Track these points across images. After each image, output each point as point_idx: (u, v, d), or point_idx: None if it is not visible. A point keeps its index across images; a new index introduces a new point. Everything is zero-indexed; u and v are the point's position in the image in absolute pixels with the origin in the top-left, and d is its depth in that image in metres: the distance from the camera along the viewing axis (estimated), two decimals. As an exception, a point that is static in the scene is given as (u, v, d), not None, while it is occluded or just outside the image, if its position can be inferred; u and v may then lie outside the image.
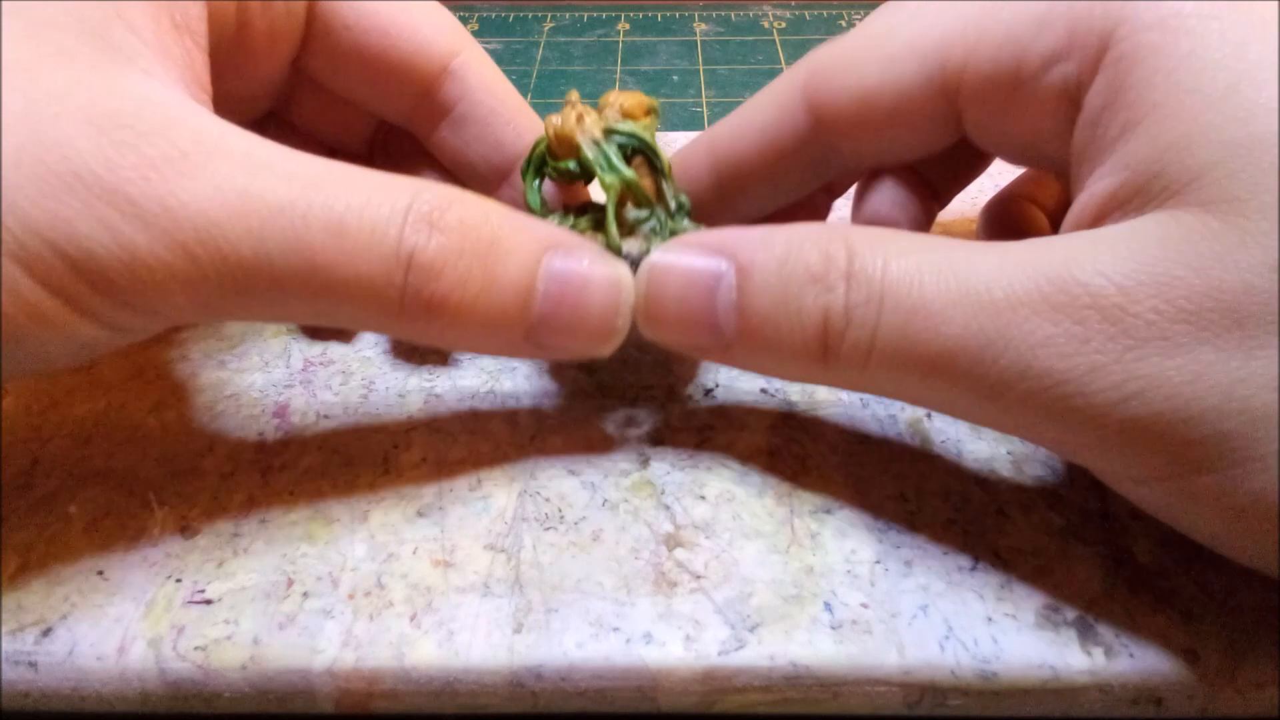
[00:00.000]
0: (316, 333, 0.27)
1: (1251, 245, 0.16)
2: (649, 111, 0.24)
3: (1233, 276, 0.16)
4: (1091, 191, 0.18)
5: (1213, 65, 0.17)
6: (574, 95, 0.24)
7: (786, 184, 0.25)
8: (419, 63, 0.24)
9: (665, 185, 0.23)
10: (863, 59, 0.22)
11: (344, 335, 0.27)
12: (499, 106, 0.25)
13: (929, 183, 0.26)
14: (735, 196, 0.25)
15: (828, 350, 0.19)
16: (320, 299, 0.18)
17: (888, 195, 0.26)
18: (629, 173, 0.23)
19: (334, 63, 0.24)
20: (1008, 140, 0.22)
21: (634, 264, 0.21)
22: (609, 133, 0.23)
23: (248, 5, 0.22)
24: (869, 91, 0.22)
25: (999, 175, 0.28)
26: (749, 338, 0.20)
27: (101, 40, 0.18)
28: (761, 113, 0.24)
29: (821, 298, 0.18)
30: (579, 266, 0.20)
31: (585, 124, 0.23)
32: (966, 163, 0.27)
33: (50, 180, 0.16)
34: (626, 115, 0.24)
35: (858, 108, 0.22)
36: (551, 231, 0.20)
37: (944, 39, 0.21)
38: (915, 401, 0.20)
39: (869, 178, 0.27)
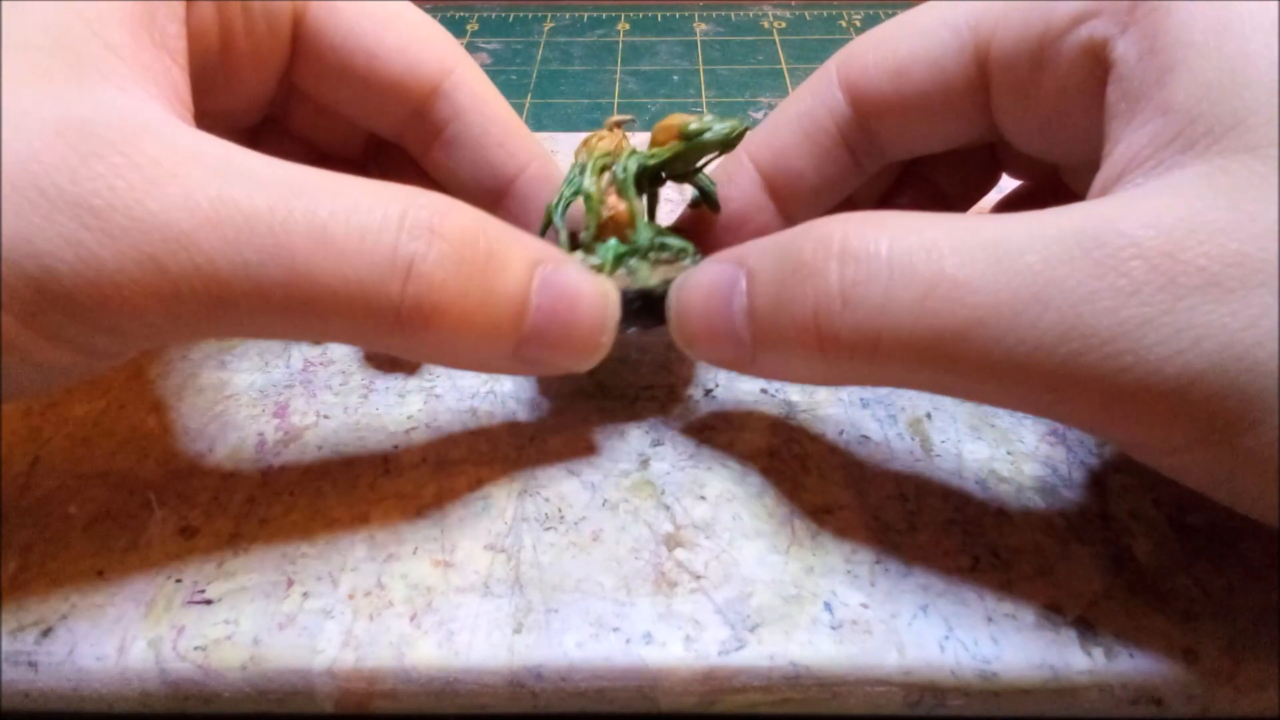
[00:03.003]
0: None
1: None
2: (680, 136, 0.23)
3: None
4: (1129, 141, 0.18)
5: (1246, 9, 0.17)
6: (611, 119, 0.25)
7: (827, 178, 0.25)
8: (409, 83, 0.24)
9: (589, 214, 0.23)
10: (896, 36, 0.23)
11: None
12: (491, 128, 0.25)
13: (945, 196, 0.27)
14: (780, 196, 0.25)
15: (823, 338, 0.18)
16: (305, 311, 0.17)
17: (907, 202, 0.27)
18: (554, 198, 0.23)
19: (323, 81, 0.24)
20: (1033, 113, 0.21)
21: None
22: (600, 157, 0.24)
23: (230, 26, 0.22)
24: (902, 65, 0.22)
25: (1005, 187, 0.28)
26: (761, 341, 0.19)
27: (76, 58, 0.17)
28: (798, 103, 0.24)
29: (808, 283, 0.18)
30: (570, 280, 0.20)
31: (587, 146, 0.24)
32: (979, 178, 0.27)
33: (11, 196, 0.16)
34: (653, 142, 0.24)
35: (892, 82, 0.22)
36: (541, 245, 0.20)
37: (974, 11, 0.21)
38: (936, 388, 0.19)
39: (889, 191, 0.27)
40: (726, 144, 0.23)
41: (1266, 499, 0.17)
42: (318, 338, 0.19)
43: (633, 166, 0.23)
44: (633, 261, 0.23)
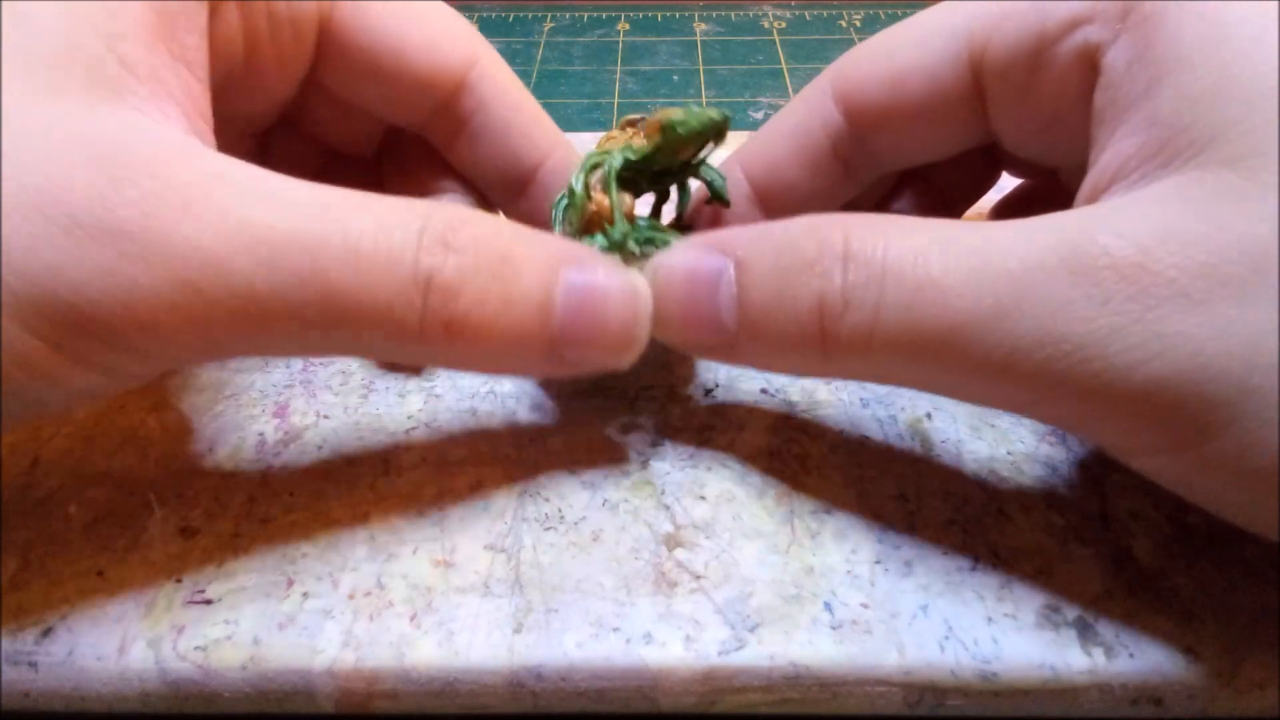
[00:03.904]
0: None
1: (1274, 199, 0.16)
2: (658, 130, 0.23)
3: (1256, 229, 0.16)
4: (1115, 150, 0.18)
5: (1238, 19, 0.17)
6: (626, 117, 0.25)
7: (819, 190, 0.25)
8: (435, 78, 0.24)
9: (571, 210, 0.23)
10: (891, 45, 0.23)
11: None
12: (515, 118, 0.25)
13: (944, 196, 0.27)
14: (770, 208, 0.25)
15: (826, 336, 0.18)
16: (337, 329, 0.18)
17: (906, 203, 0.27)
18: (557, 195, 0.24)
19: (348, 80, 0.24)
20: (1028, 120, 0.22)
21: None
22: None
23: (255, 33, 0.22)
24: (897, 74, 0.22)
25: (1005, 187, 0.28)
26: (751, 332, 0.20)
27: (92, 76, 0.17)
28: (791, 116, 0.24)
29: (815, 283, 0.18)
30: (596, 278, 0.20)
31: (600, 145, 0.24)
32: (979, 177, 0.27)
33: (44, 225, 0.16)
34: (646, 135, 0.24)
35: (887, 92, 0.22)
36: (565, 246, 0.20)
37: (970, 18, 0.21)
38: (923, 386, 0.19)
39: (888, 193, 0.27)
40: (707, 135, 0.23)
41: (1234, 503, 0.18)
42: (348, 354, 0.19)
43: (616, 163, 0.23)
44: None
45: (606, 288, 0.20)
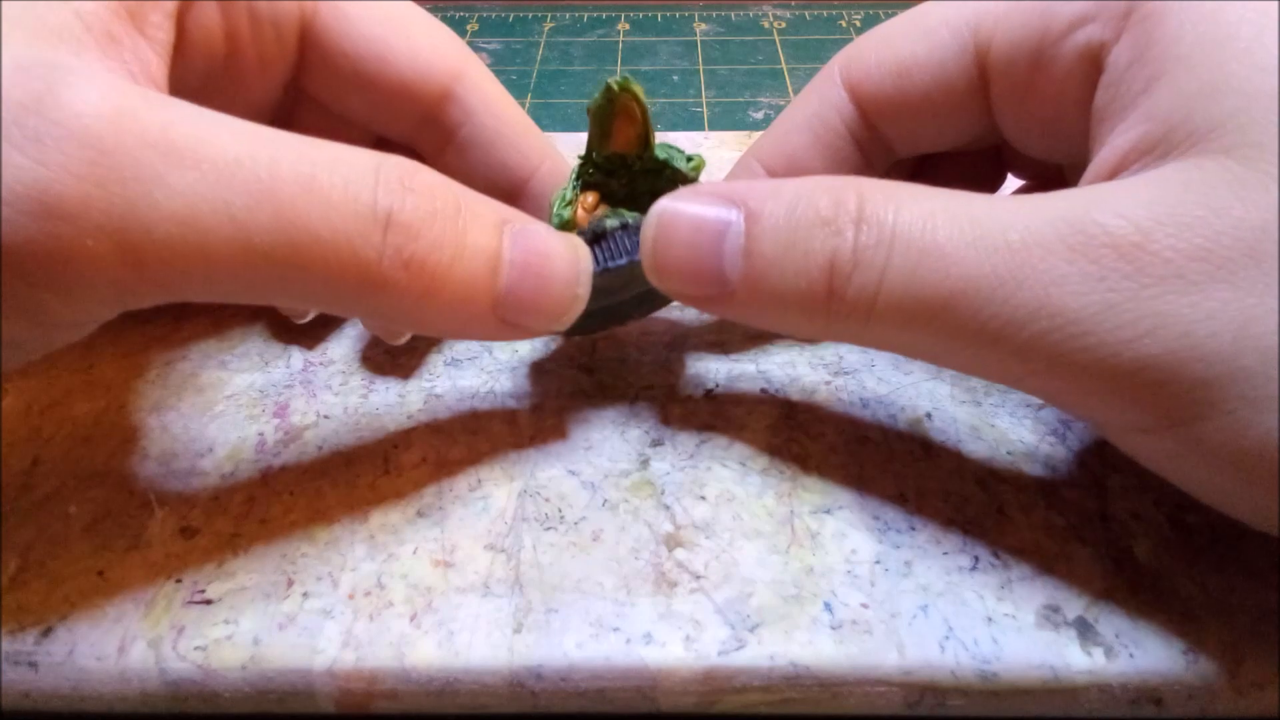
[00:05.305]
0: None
1: (1272, 186, 0.16)
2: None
3: (1253, 216, 0.16)
4: (1113, 145, 0.19)
5: (1237, 18, 0.17)
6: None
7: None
8: (419, 88, 0.24)
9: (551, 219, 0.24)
10: (897, 36, 0.23)
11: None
12: (503, 129, 0.25)
13: None
14: None
15: (832, 294, 0.19)
16: (289, 264, 0.17)
17: None
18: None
19: (331, 87, 0.24)
20: (1032, 116, 0.22)
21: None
22: None
23: (236, 31, 0.22)
24: (904, 64, 0.22)
25: (1008, 187, 0.28)
26: (754, 284, 0.19)
27: (37, 20, 0.17)
28: (804, 106, 0.24)
29: (830, 240, 0.18)
30: (540, 238, 0.20)
31: None
32: (985, 180, 0.27)
33: None
34: None
35: (894, 81, 0.23)
36: (505, 208, 0.21)
37: (976, 12, 0.22)
38: (916, 354, 0.20)
39: None
40: (615, 105, 0.23)
41: (1220, 487, 0.18)
42: (300, 301, 0.19)
43: (574, 164, 0.24)
44: None
45: (549, 246, 0.20)
